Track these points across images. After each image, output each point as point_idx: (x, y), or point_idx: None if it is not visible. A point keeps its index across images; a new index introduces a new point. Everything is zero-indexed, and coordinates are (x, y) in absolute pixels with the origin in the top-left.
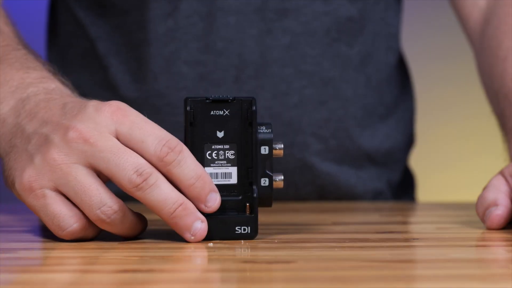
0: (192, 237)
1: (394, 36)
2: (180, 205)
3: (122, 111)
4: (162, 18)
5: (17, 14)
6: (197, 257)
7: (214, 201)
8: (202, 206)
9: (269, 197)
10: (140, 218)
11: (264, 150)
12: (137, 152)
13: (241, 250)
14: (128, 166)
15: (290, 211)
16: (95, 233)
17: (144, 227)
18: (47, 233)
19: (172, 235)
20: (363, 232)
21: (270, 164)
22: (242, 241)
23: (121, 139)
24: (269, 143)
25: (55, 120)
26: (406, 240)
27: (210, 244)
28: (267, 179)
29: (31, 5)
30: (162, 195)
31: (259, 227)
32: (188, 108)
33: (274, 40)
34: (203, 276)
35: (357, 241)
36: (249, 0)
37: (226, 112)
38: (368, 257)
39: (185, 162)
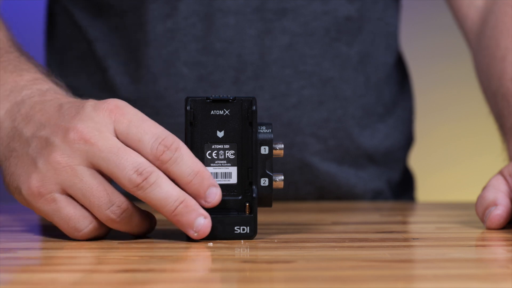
0: (196, 234)
1: (392, 36)
2: (181, 202)
3: (119, 109)
4: (160, 19)
5: (15, 16)
6: (197, 257)
7: (214, 196)
8: (202, 202)
9: (269, 197)
10: (148, 216)
11: (264, 150)
12: (135, 151)
13: (241, 250)
14: (128, 166)
15: (290, 211)
16: (107, 232)
17: (153, 224)
18: (46, 233)
19: (172, 235)
20: (363, 232)
21: (270, 164)
22: (242, 241)
23: (120, 137)
24: (269, 143)
25: (52, 122)
26: (406, 240)
27: (210, 244)
28: (267, 179)
29: (29, 7)
30: (162, 193)
31: (258, 227)
32: (188, 107)
33: (273, 41)
34: (203, 276)
35: (357, 241)
36: (248, 1)
37: (227, 112)
38: (368, 257)
39: (182, 159)
